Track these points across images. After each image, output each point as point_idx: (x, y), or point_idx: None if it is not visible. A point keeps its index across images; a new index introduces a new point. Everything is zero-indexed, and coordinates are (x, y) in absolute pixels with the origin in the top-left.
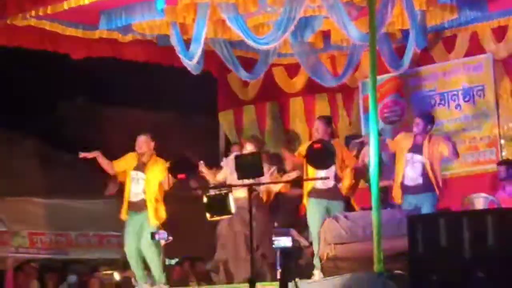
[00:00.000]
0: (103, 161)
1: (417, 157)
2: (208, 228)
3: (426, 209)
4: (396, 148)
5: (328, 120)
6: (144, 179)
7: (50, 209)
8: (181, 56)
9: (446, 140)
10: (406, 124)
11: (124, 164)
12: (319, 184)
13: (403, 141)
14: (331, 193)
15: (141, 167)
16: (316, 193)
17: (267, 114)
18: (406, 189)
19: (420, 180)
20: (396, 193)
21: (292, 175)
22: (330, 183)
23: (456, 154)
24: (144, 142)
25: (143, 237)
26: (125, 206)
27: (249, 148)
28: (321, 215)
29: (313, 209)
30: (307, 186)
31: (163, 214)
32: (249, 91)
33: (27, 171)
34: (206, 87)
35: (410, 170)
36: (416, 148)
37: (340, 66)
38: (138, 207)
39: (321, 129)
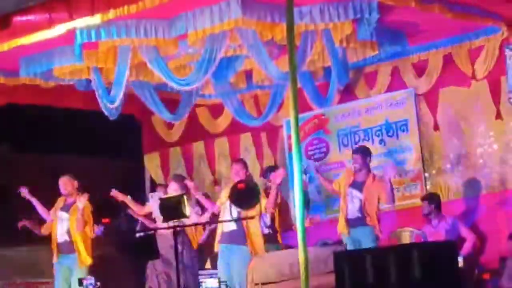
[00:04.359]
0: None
1: (357, 193)
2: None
3: (365, 243)
4: (340, 185)
5: (245, 162)
6: (68, 219)
7: None
8: (100, 101)
9: (385, 186)
10: (331, 161)
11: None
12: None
13: (346, 177)
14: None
15: (66, 207)
16: (224, 238)
17: (193, 155)
18: (348, 223)
19: (358, 214)
20: (342, 227)
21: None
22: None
23: (391, 201)
24: (67, 182)
25: (72, 284)
26: (54, 248)
27: (173, 187)
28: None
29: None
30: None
31: (87, 258)
32: (174, 133)
33: None
34: (130, 131)
35: (350, 204)
36: (356, 185)
37: (263, 106)
38: (63, 249)
39: (242, 172)
